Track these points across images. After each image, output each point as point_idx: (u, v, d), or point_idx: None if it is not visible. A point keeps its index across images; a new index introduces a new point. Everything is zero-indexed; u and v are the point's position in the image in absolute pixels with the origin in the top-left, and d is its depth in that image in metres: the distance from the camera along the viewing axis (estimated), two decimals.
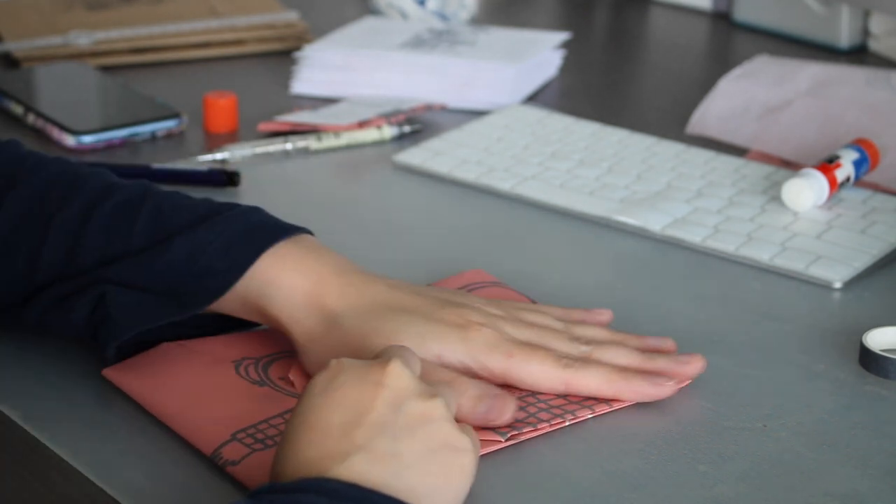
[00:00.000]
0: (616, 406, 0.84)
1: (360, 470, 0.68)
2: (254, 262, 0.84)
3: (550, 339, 0.85)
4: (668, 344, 0.88)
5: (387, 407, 0.71)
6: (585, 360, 0.84)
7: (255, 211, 0.87)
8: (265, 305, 0.84)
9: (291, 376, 0.85)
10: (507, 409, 0.80)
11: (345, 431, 0.70)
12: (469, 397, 0.80)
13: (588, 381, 0.83)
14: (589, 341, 0.86)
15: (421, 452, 0.71)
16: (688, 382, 0.85)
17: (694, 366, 0.85)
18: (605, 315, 0.91)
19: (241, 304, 0.85)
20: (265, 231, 0.85)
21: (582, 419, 0.83)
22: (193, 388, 0.84)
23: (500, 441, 0.80)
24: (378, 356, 0.75)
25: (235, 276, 0.83)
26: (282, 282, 0.84)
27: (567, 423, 0.82)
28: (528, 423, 0.81)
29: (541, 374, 0.83)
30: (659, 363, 0.85)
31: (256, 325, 0.89)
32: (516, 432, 0.80)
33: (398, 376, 0.72)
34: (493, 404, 0.80)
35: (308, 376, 0.84)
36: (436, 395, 0.73)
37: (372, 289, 0.85)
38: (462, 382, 0.81)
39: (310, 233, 0.88)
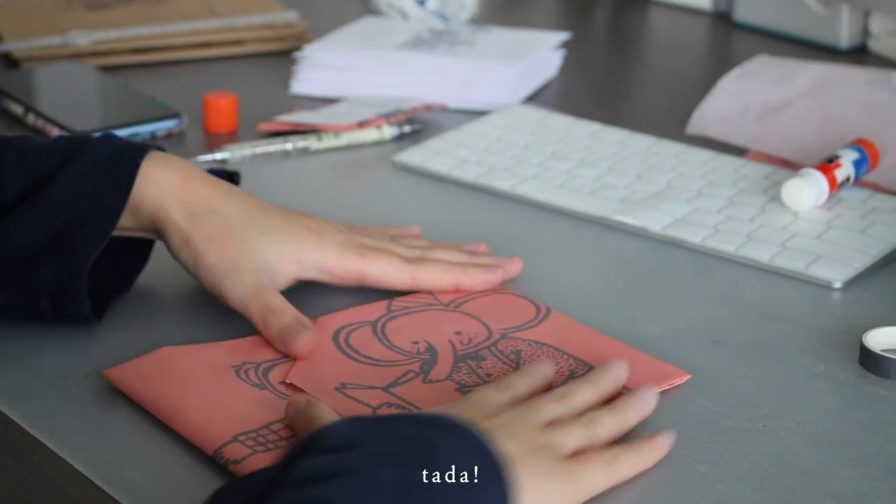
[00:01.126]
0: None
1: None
2: (136, 175, 0.90)
3: (391, 244, 0.96)
4: (483, 247, 1.00)
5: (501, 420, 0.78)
6: (424, 258, 0.96)
7: (111, 136, 0.93)
8: (146, 207, 0.91)
9: (289, 379, 0.85)
10: (304, 337, 0.87)
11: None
12: (283, 324, 0.89)
13: (430, 274, 0.94)
14: (419, 246, 0.97)
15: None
16: (513, 275, 0.97)
17: (515, 264, 0.98)
18: (416, 229, 1.03)
19: (132, 217, 0.91)
20: (132, 149, 0.91)
21: None
22: (194, 389, 0.84)
23: None
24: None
25: (125, 193, 0.90)
26: (158, 180, 0.91)
27: None
28: None
29: (390, 269, 0.94)
30: (485, 259, 0.98)
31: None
32: None
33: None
34: (294, 333, 0.88)
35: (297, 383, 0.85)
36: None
37: (235, 193, 0.93)
38: (284, 310, 0.89)
39: (162, 149, 0.94)
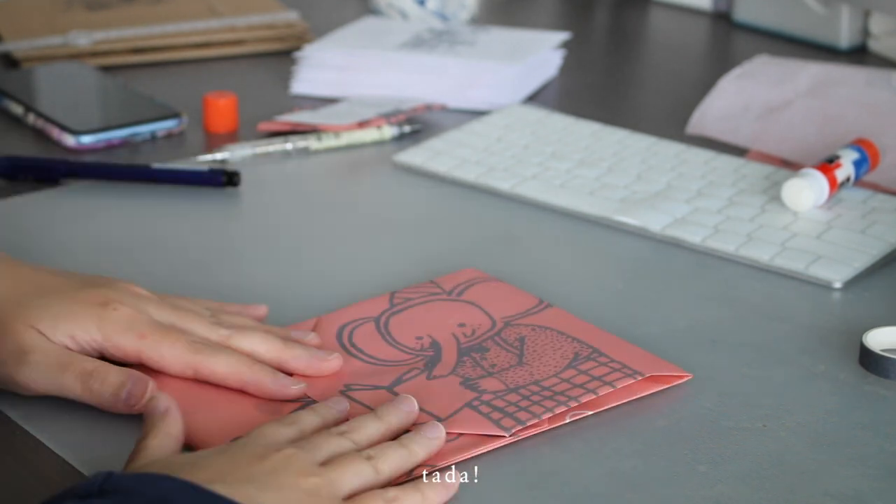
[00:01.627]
0: (616, 396, 0.84)
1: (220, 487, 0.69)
2: None
3: (191, 322, 0.85)
4: (311, 338, 0.88)
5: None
6: (218, 346, 0.84)
7: None
8: None
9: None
10: (145, 391, 0.81)
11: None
12: (110, 384, 0.81)
13: (215, 367, 0.83)
14: (230, 327, 0.86)
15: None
16: (320, 374, 0.85)
17: (330, 363, 0.86)
18: (261, 310, 0.91)
19: None
20: None
21: (582, 416, 0.83)
22: (193, 390, 0.84)
23: (504, 436, 0.80)
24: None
25: None
26: None
27: (568, 420, 0.82)
28: (531, 413, 0.81)
29: (171, 356, 0.83)
30: (297, 352, 0.85)
31: None
32: (520, 427, 0.80)
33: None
34: (133, 390, 0.81)
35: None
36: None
37: (17, 272, 0.85)
38: (102, 370, 0.81)
39: None
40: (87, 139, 1.20)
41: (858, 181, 1.11)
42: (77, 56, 1.39)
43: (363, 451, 0.76)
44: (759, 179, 1.12)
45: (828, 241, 1.03)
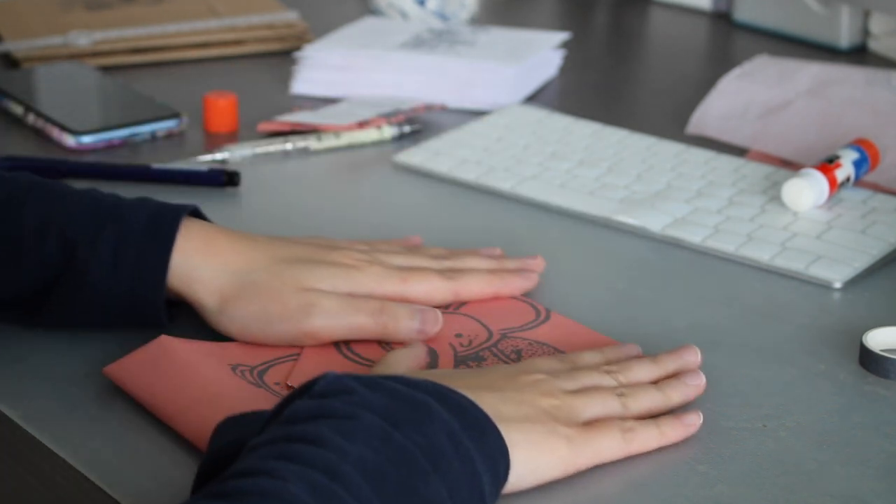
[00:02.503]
0: None
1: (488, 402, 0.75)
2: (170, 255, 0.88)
3: (422, 261, 0.95)
4: (498, 251, 1.00)
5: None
6: (459, 271, 0.95)
7: (145, 202, 0.91)
8: (174, 283, 0.89)
9: (290, 382, 0.85)
10: (437, 318, 0.90)
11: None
12: (402, 317, 0.89)
13: (470, 286, 0.94)
14: (442, 257, 0.96)
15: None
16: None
17: (539, 263, 0.98)
18: (418, 239, 1.01)
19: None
20: (165, 219, 0.89)
21: None
22: (194, 388, 0.84)
23: None
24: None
25: (162, 275, 0.88)
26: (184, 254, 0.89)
27: None
28: None
29: (432, 288, 0.93)
30: (509, 263, 0.97)
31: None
32: None
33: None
34: (424, 317, 0.89)
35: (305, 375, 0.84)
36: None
37: (261, 244, 0.91)
38: (391, 306, 0.89)
39: (196, 210, 0.93)
40: (87, 139, 1.20)
41: (858, 181, 1.11)
42: (77, 56, 1.39)
43: (619, 388, 0.81)
44: (759, 179, 1.12)
45: (828, 241, 1.03)
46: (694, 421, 0.81)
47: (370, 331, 0.89)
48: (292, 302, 0.88)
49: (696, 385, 0.83)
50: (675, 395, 0.83)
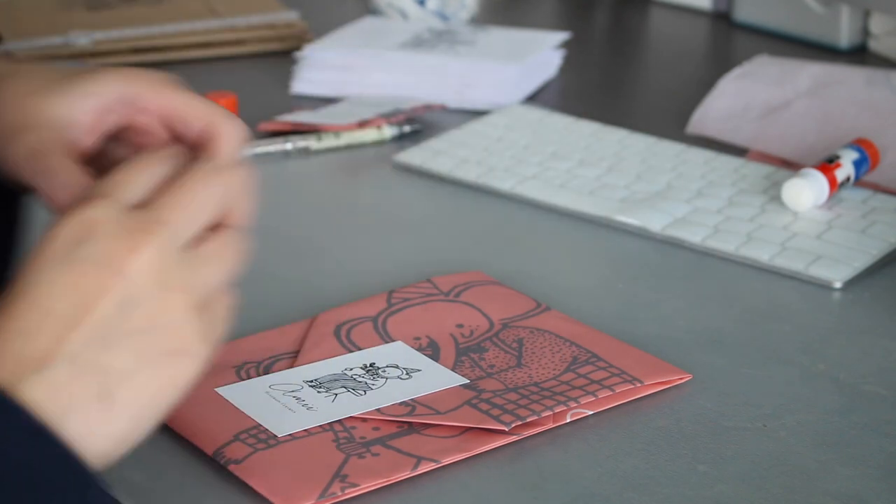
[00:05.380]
0: (616, 399, 0.84)
1: (57, 383, 0.59)
2: None
3: None
4: None
5: (114, 307, 0.60)
6: None
7: None
8: None
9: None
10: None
11: (61, 328, 0.59)
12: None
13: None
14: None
15: (137, 363, 0.61)
16: None
17: None
18: None
19: None
20: None
21: (582, 416, 0.83)
22: (195, 388, 0.84)
23: (505, 430, 0.80)
24: (143, 210, 0.62)
25: None
26: None
27: (568, 420, 0.82)
28: (531, 410, 0.81)
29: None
30: None
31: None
32: (519, 423, 0.80)
33: (146, 271, 0.61)
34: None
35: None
36: (181, 288, 0.62)
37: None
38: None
39: None
40: None
41: (858, 181, 1.11)
42: (77, 56, 1.39)
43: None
44: (759, 179, 1.12)
45: (828, 241, 1.03)
46: None
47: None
48: None
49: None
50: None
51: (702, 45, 1.56)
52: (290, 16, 1.49)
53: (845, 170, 1.08)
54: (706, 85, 1.33)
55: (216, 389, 0.84)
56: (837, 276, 0.99)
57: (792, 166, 1.17)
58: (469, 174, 1.15)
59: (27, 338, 0.59)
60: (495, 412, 0.81)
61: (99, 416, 0.61)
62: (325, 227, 1.08)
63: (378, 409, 0.82)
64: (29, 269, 0.61)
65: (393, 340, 0.90)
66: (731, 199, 1.09)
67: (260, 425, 0.80)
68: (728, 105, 1.27)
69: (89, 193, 0.63)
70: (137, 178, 0.63)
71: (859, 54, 1.46)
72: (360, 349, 0.88)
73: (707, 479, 0.78)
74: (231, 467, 0.77)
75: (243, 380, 0.85)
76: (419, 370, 0.86)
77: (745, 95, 1.28)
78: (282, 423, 0.81)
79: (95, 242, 0.61)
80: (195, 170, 0.64)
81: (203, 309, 0.63)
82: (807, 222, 1.06)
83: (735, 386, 0.87)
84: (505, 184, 1.13)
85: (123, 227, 0.61)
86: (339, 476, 0.76)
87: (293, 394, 0.84)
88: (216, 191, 0.64)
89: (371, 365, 0.87)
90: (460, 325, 0.91)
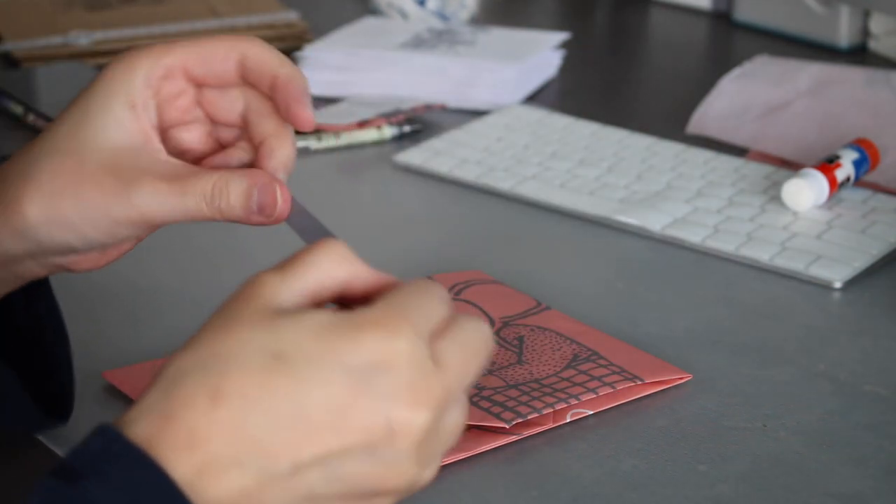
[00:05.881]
0: (616, 397, 0.84)
1: (253, 489, 0.54)
2: None
3: None
4: None
5: (361, 448, 0.55)
6: None
7: None
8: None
9: None
10: (277, 196, 0.74)
11: (301, 437, 0.55)
12: (234, 194, 0.73)
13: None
14: None
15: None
16: None
17: None
18: None
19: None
20: None
21: (583, 416, 0.83)
22: None
23: (505, 428, 0.80)
24: (438, 368, 0.57)
25: None
26: None
27: (568, 419, 0.82)
28: (532, 407, 0.81)
29: None
30: None
31: None
32: (520, 420, 0.80)
33: (411, 436, 0.56)
34: (263, 199, 0.74)
35: None
36: (423, 465, 0.57)
37: None
38: (221, 182, 0.73)
39: None
40: None
41: (858, 181, 1.11)
42: (77, 56, 1.39)
43: None
44: (759, 179, 1.12)
45: (828, 241, 1.03)
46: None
47: (205, 213, 0.73)
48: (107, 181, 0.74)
49: None
50: None
51: (702, 45, 1.56)
52: (290, 16, 1.49)
53: (845, 170, 1.08)
54: (706, 85, 1.33)
55: None
56: (837, 276, 0.99)
57: (792, 166, 1.17)
58: (469, 174, 1.15)
59: (273, 429, 0.54)
60: (496, 409, 0.81)
61: None
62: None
63: None
64: (305, 354, 0.56)
65: None
66: (731, 199, 1.09)
67: None
68: (728, 105, 1.27)
69: (393, 312, 0.58)
70: (435, 311, 0.59)
71: (859, 54, 1.46)
72: None
73: (707, 479, 0.78)
74: None
75: None
76: None
77: (744, 95, 1.28)
78: None
79: (388, 378, 0.55)
80: (482, 334, 0.60)
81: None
82: (807, 222, 1.06)
83: (735, 386, 0.87)
84: (505, 184, 1.13)
85: (418, 374, 0.56)
86: None
87: None
88: (487, 358, 0.60)
89: None
90: None
